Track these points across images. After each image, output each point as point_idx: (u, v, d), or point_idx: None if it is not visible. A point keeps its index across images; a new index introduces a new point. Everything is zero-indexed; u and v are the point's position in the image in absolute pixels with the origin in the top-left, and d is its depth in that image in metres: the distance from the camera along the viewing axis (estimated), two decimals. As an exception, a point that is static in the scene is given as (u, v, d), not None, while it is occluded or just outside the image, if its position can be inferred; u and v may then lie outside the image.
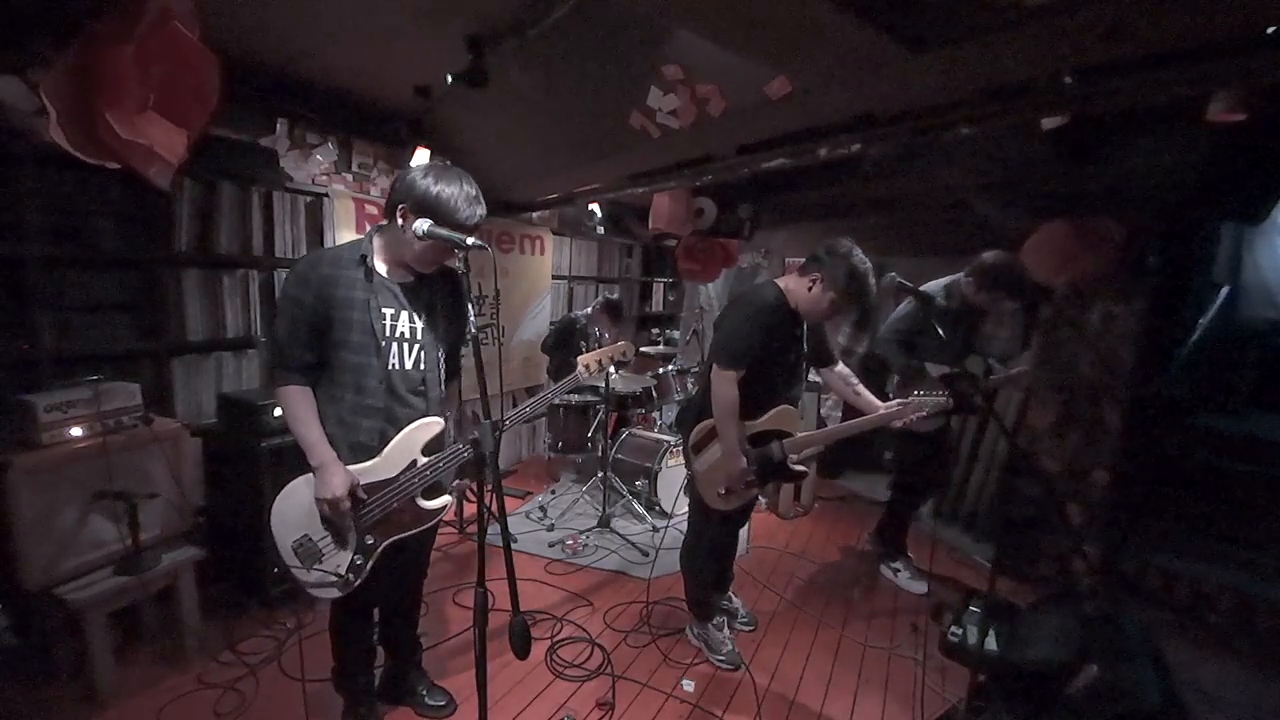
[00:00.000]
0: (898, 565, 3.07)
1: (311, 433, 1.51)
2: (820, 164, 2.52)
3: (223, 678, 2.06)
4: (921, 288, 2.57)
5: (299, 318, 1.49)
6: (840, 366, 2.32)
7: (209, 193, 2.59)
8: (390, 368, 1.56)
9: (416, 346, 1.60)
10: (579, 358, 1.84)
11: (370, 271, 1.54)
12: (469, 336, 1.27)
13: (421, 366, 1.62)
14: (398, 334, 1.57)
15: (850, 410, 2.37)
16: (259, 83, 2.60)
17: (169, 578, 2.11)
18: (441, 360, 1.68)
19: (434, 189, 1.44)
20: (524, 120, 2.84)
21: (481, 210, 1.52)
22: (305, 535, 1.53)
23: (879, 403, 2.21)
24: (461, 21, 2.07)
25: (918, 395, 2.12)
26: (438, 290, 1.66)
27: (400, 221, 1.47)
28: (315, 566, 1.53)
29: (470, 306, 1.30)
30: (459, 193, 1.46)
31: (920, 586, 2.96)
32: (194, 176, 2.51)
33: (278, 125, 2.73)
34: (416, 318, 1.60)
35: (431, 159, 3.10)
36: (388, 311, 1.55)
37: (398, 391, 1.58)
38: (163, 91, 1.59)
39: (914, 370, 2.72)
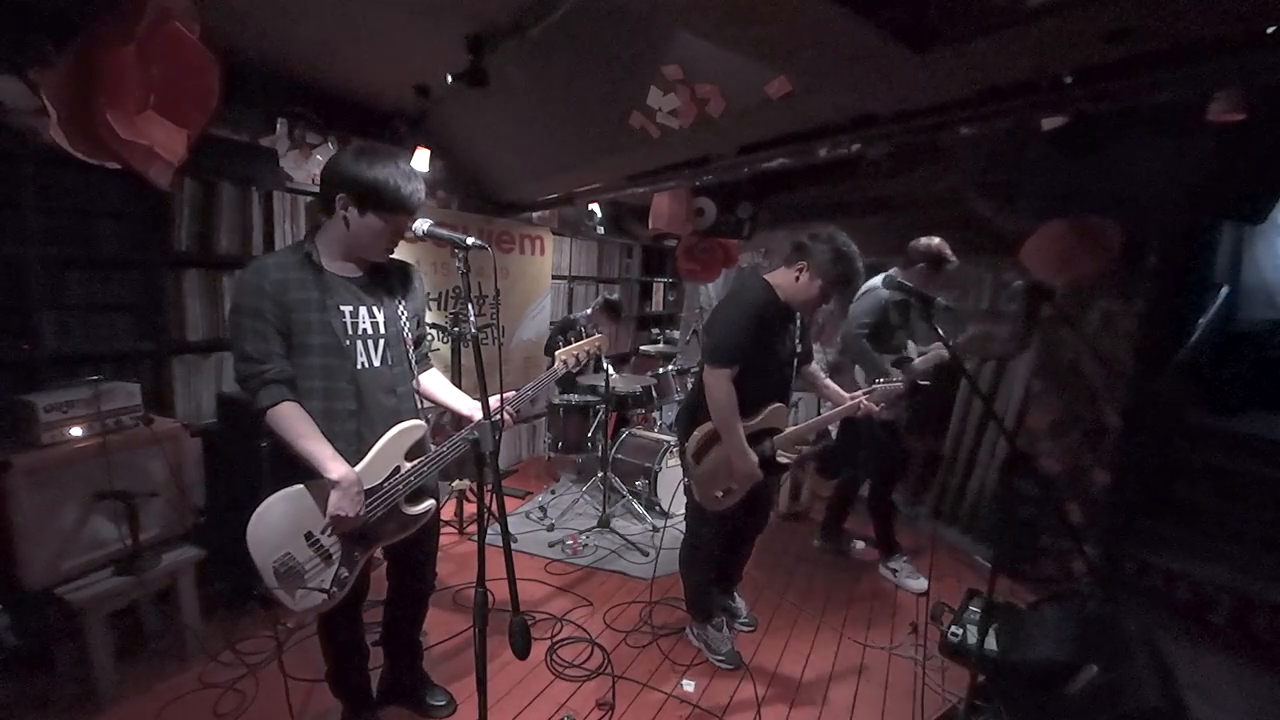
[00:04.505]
0: (895, 565, 3.07)
1: (322, 448, 1.41)
2: (820, 164, 2.53)
3: (223, 678, 2.06)
4: (866, 285, 2.74)
5: (265, 329, 1.40)
6: (813, 364, 2.39)
7: (209, 193, 2.58)
8: (358, 367, 1.50)
9: (381, 342, 1.54)
10: (556, 352, 1.86)
11: (320, 269, 1.47)
12: (469, 336, 1.26)
13: (390, 363, 1.56)
14: (360, 331, 1.50)
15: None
16: (259, 83, 2.60)
17: (169, 578, 2.11)
18: (410, 355, 1.62)
19: (369, 173, 1.37)
20: (524, 120, 2.84)
21: (421, 186, 1.45)
22: (287, 554, 1.44)
23: (844, 393, 2.31)
24: (461, 21, 2.07)
25: (879, 383, 2.28)
26: (392, 282, 1.60)
27: (343, 212, 1.42)
28: (299, 586, 1.45)
29: (471, 306, 1.27)
30: (396, 172, 1.39)
31: (920, 584, 2.97)
32: (194, 176, 2.51)
33: (278, 125, 2.73)
34: (376, 311, 1.53)
35: (431, 159, 3.10)
36: (345, 309, 1.48)
37: (369, 392, 1.52)
38: (163, 91, 1.59)
39: (882, 364, 2.77)
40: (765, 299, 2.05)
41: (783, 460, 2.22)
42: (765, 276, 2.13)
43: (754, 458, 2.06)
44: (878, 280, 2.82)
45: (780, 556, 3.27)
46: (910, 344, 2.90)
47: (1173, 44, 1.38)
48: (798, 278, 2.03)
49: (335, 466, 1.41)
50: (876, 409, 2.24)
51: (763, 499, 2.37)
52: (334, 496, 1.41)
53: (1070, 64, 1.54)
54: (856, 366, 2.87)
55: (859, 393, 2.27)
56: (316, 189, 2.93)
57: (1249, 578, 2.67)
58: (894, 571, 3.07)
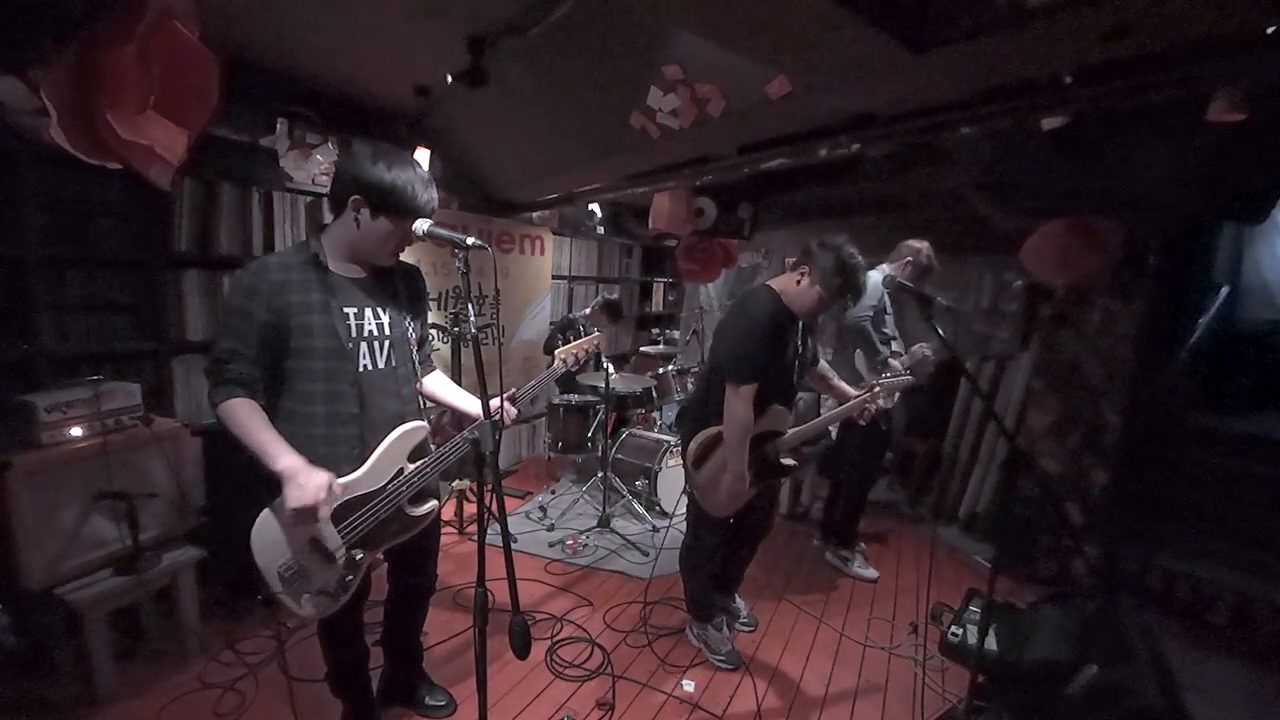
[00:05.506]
0: (845, 554, 3.11)
1: (267, 435, 1.37)
2: (820, 164, 2.53)
3: (223, 678, 2.06)
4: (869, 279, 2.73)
5: (247, 331, 1.37)
6: (821, 364, 2.40)
7: (209, 193, 2.58)
8: (361, 370, 1.48)
9: (386, 344, 1.53)
10: (556, 350, 1.86)
11: (325, 270, 1.45)
12: (469, 336, 1.26)
13: (394, 364, 1.55)
14: (365, 333, 1.49)
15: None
16: (259, 83, 2.59)
17: (169, 578, 2.11)
18: (414, 356, 1.61)
19: (388, 176, 1.36)
20: (524, 120, 2.84)
21: (435, 194, 1.45)
22: (292, 558, 1.43)
23: (851, 390, 2.33)
24: (461, 21, 2.07)
25: (885, 378, 2.29)
26: (396, 283, 1.60)
27: (354, 214, 1.40)
28: (305, 590, 1.44)
29: (471, 306, 1.27)
30: (413, 177, 1.39)
31: (871, 573, 3.04)
32: (194, 176, 2.51)
33: (278, 125, 2.72)
34: (381, 313, 1.52)
35: (431, 159, 3.10)
36: (350, 311, 1.47)
37: (371, 395, 1.50)
38: (163, 91, 1.59)
39: (881, 349, 2.79)
40: (774, 308, 2.04)
41: (787, 463, 2.22)
42: (769, 282, 2.13)
43: (747, 481, 2.06)
44: (874, 274, 2.84)
45: (780, 556, 3.27)
46: (892, 344, 2.92)
47: (1172, 44, 1.38)
48: (799, 282, 2.03)
49: (283, 456, 1.35)
50: (885, 404, 2.25)
51: (766, 501, 2.37)
52: (287, 490, 1.33)
53: (1070, 64, 1.54)
54: (857, 351, 2.88)
55: (865, 389, 2.27)
56: (317, 189, 2.98)
57: (1249, 578, 2.67)
58: (844, 560, 3.11)
